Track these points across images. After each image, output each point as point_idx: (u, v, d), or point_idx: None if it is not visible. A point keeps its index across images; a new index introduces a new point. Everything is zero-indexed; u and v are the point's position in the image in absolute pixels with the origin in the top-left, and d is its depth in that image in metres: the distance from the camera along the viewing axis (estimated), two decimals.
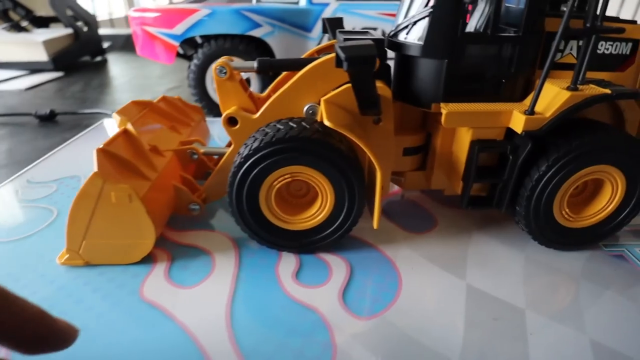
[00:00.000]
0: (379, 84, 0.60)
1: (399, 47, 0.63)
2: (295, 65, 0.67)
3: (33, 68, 1.71)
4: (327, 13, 1.14)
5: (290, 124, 0.59)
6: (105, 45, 2.22)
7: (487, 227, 0.72)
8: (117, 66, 2.05)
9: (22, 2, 1.97)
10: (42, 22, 2.02)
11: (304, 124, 0.58)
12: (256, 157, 0.57)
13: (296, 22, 1.15)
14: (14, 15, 1.93)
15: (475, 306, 0.56)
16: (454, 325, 0.53)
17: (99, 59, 2.19)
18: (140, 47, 1.23)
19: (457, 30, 0.56)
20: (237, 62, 0.68)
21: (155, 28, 1.17)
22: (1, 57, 1.66)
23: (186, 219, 0.72)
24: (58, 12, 1.84)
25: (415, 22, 0.60)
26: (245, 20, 1.13)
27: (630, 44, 0.60)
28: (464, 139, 0.62)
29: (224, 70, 0.66)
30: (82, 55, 2.05)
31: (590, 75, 0.61)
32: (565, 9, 0.53)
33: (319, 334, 0.51)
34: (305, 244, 0.64)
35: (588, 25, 0.51)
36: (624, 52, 0.60)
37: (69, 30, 1.89)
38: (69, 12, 1.90)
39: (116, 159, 0.61)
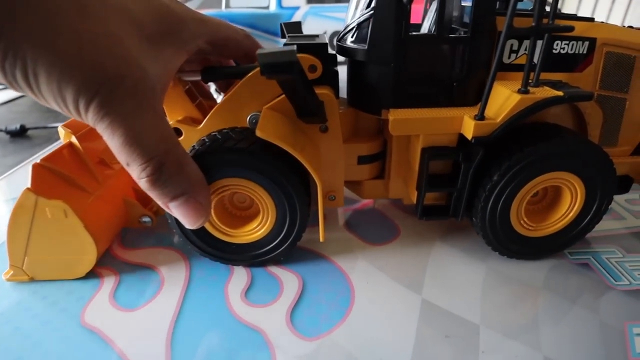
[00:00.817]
0: (322, 90, 0.57)
1: (345, 51, 0.60)
2: (242, 72, 0.64)
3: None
4: (298, 17, 1.11)
5: (231, 134, 0.56)
6: None
7: (451, 236, 0.69)
8: None
9: None
10: None
11: (243, 134, 0.56)
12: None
13: (266, 27, 1.12)
14: None
15: (427, 323, 0.53)
16: (403, 344, 0.50)
17: None
18: None
19: (401, 32, 0.53)
20: (183, 72, 0.66)
21: None
22: None
23: (140, 236, 0.69)
24: None
25: (359, 25, 0.57)
26: None
27: (587, 43, 0.57)
28: (416, 146, 0.59)
29: None
30: None
31: (548, 76, 0.58)
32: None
33: (260, 358, 0.48)
34: (250, 257, 0.61)
35: (533, 24, 0.48)
36: (580, 52, 0.57)
37: None
38: None
39: (54, 173, 0.59)
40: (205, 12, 1.16)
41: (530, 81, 0.55)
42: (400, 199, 0.71)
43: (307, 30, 0.67)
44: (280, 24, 0.70)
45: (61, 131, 0.67)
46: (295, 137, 0.57)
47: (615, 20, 2.59)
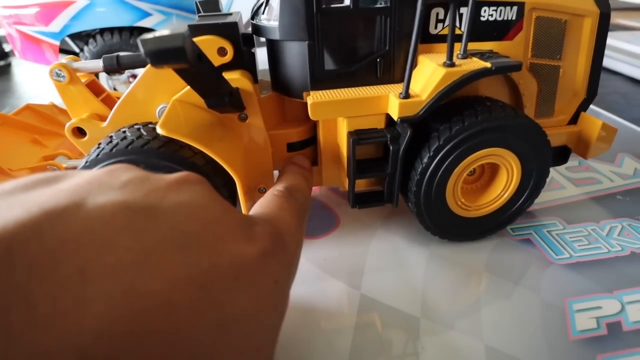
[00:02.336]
0: (235, 75, 0.51)
1: (259, 30, 0.54)
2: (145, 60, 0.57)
3: None
4: None
5: (142, 130, 0.50)
6: (8, 48, 1.99)
7: (392, 222, 0.66)
8: (23, 70, 1.85)
9: None
10: None
11: (155, 132, 0.49)
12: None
13: (191, 8, 1.03)
14: None
15: (366, 320, 0.49)
16: (339, 346, 0.46)
17: (1, 63, 1.98)
18: (19, 50, 1.08)
19: (313, 5, 0.47)
20: (81, 62, 0.58)
21: (29, 27, 1.02)
22: None
23: None
24: None
25: (266, 3, 0.51)
26: (131, 9, 0.99)
27: (515, 8, 0.53)
28: (342, 129, 0.54)
29: (62, 74, 0.55)
30: None
31: (478, 46, 0.54)
32: None
33: None
34: None
35: None
36: (509, 18, 0.53)
37: None
38: None
39: None
40: None
41: (458, 53, 0.51)
42: (337, 186, 0.67)
43: (236, 9, 0.60)
44: (195, 2, 0.63)
45: None
46: (209, 130, 0.51)
47: None
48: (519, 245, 0.60)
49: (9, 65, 1.94)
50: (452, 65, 0.48)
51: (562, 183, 0.74)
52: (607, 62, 1.52)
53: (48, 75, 0.55)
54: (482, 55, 0.51)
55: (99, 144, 0.49)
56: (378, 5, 0.50)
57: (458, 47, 0.50)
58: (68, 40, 1.13)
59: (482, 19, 0.53)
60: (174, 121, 0.47)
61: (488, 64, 0.48)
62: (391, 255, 0.59)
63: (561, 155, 0.63)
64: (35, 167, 0.63)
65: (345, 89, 0.52)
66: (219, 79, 0.47)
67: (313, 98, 0.50)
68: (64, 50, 1.14)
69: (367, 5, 0.50)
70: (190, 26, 0.51)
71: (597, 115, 1.01)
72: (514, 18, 0.53)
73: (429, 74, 0.50)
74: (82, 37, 1.13)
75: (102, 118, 0.57)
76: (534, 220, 0.65)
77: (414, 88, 0.51)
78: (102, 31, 1.03)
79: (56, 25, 1.01)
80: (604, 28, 0.56)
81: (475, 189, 0.59)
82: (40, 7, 1.00)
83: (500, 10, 0.53)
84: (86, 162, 0.48)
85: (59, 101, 0.78)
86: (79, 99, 0.58)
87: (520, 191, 0.56)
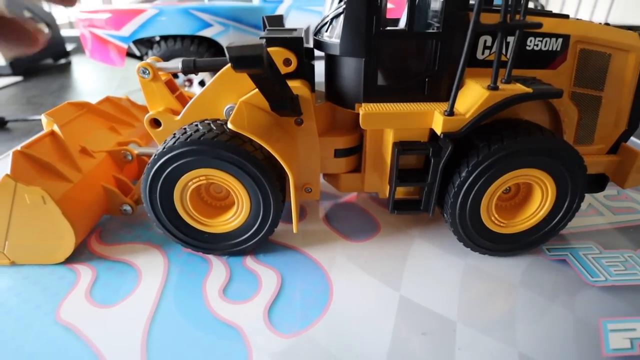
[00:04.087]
0: (296, 84, 0.58)
1: (321, 45, 0.60)
2: (220, 64, 0.65)
3: None
4: (281, 10, 1.11)
5: (212, 125, 0.57)
6: (70, 47, 2.18)
7: (430, 233, 0.69)
8: (82, 69, 2.00)
9: None
10: None
11: (224, 127, 0.56)
12: (169, 155, 0.55)
13: (249, 21, 1.12)
14: None
15: (405, 320, 0.53)
16: (380, 341, 0.50)
17: (62, 61, 2.13)
18: (89, 50, 1.20)
19: (372, 27, 0.53)
20: (162, 62, 0.66)
21: (102, 30, 1.14)
22: None
23: (119, 232, 0.69)
24: (15, 14, 1.80)
25: (332, 19, 0.57)
26: (195, 20, 1.10)
27: (560, 40, 0.57)
28: (388, 140, 0.59)
29: (147, 71, 0.64)
30: (43, 59, 1.99)
31: (522, 73, 0.58)
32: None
33: (236, 355, 0.48)
34: (223, 247, 0.62)
35: (500, 20, 0.48)
36: (554, 49, 0.57)
37: None
38: (27, 14, 1.87)
39: (34, 160, 0.60)
40: (187, 4, 1.16)
41: (502, 78, 0.55)
42: (376, 194, 0.72)
43: (290, 24, 0.67)
44: (262, 17, 0.70)
45: (44, 120, 0.68)
46: (270, 130, 0.57)
47: (599, 17, 2.58)
48: (554, 265, 0.62)
49: (69, 64, 2.12)
50: (496, 88, 0.52)
51: (600, 210, 0.75)
52: None
53: (135, 72, 0.64)
54: (525, 81, 0.55)
55: (174, 134, 0.56)
56: (430, 30, 0.55)
57: (503, 73, 0.54)
58: (131, 45, 1.24)
59: (528, 48, 0.57)
60: (242, 119, 0.54)
61: (529, 90, 0.52)
62: (428, 262, 0.63)
63: (599, 182, 0.65)
64: (112, 151, 0.71)
65: (394, 104, 0.57)
66: (284, 85, 0.54)
67: (365, 109, 0.55)
68: (128, 54, 1.26)
69: (420, 30, 0.55)
70: (262, 38, 0.58)
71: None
72: (558, 49, 0.57)
73: (473, 95, 0.54)
74: (144, 43, 1.25)
75: (175, 112, 0.65)
76: (570, 243, 0.66)
77: (459, 107, 0.55)
78: (165, 38, 1.14)
79: (127, 30, 1.13)
80: None
81: (509, 207, 0.62)
82: (112, 14, 1.13)
83: (546, 41, 0.57)
84: (164, 147, 0.55)
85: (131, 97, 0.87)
86: (157, 94, 0.66)
87: (554, 212, 0.59)
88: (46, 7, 1.96)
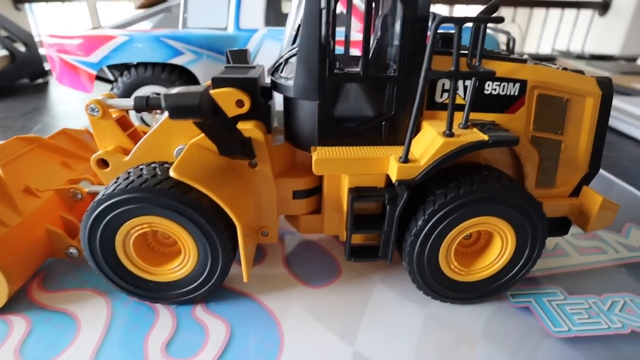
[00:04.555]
0: (248, 126, 0.55)
1: (276, 86, 0.58)
2: None
3: None
4: (256, 39, 1.09)
5: (157, 170, 0.54)
6: (48, 66, 2.13)
7: (393, 277, 0.66)
8: (59, 90, 1.94)
9: None
10: None
11: (168, 172, 0.53)
12: (108, 203, 0.51)
13: (222, 49, 1.10)
14: None
15: None
16: None
17: (39, 81, 2.07)
18: (57, 74, 1.17)
19: (325, 70, 0.51)
20: (114, 99, 0.63)
21: (70, 55, 1.12)
22: None
23: (64, 277, 0.65)
24: None
25: (287, 60, 0.56)
26: (166, 47, 1.08)
27: (518, 85, 0.56)
28: (344, 185, 0.57)
29: (96, 109, 0.61)
30: (19, 78, 1.93)
31: (481, 116, 0.57)
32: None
33: None
34: (170, 297, 0.58)
35: (452, 69, 0.46)
36: (512, 93, 0.56)
37: (4, 52, 1.81)
38: (3, 33, 1.84)
39: None
40: (161, 32, 1.14)
41: (459, 123, 0.54)
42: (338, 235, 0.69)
43: (264, 54, 0.65)
44: (226, 52, 0.68)
45: None
46: (218, 175, 0.55)
47: (576, 46, 2.65)
48: (517, 314, 0.60)
49: (47, 84, 2.07)
50: (451, 135, 0.51)
51: (567, 250, 0.74)
52: (622, 127, 1.51)
53: (84, 108, 0.61)
54: (482, 126, 0.54)
55: (117, 178, 0.53)
56: (387, 74, 0.54)
57: (462, 116, 0.53)
58: (105, 69, 1.22)
59: (486, 92, 0.56)
60: (186, 165, 0.51)
61: (486, 137, 0.50)
62: (388, 312, 0.60)
63: (562, 225, 0.64)
64: (60, 190, 0.67)
65: (351, 147, 0.55)
66: (232, 130, 0.51)
67: (317, 154, 0.53)
68: (100, 78, 1.23)
69: (378, 73, 0.54)
70: (214, 78, 0.56)
71: (608, 182, 1.02)
72: (516, 94, 0.56)
73: (429, 141, 0.52)
74: (118, 67, 1.22)
75: (127, 151, 0.62)
76: (535, 288, 0.64)
77: (415, 152, 0.54)
78: (137, 65, 1.12)
79: (95, 57, 1.10)
80: (606, 108, 0.58)
81: (470, 253, 0.60)
82: (84, 39, 1.10)
83: (504, 86, 0.56)
84: (103, 194, 0.51)
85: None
86: (108, 132, 0.63)
87: (515, 261, 0.57)
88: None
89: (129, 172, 0.54)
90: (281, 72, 0.57)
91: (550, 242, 0.75)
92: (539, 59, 0.70)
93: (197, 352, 0.53)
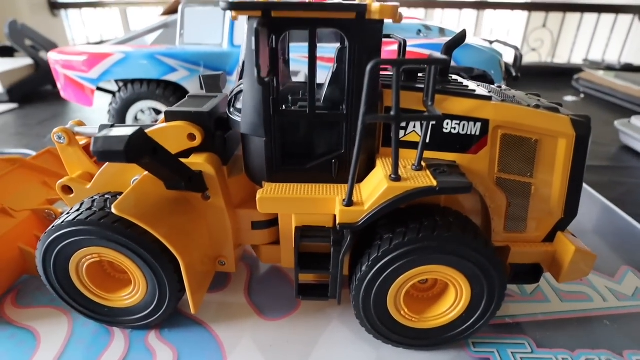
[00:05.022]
0: (199, 160, 0.55)
1: (229, 120, 0.57)
2: None
3: None
4: None
5: (107, 202, 0.55)
6: None
7: (352, 316, 0.63)
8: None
9: None
10: (7, 52, 2.05)
11: None
12: (57, 234, 0.53)
13: (215, 66, 1.11)
14: None
15: None
16: None
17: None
18: (62, 88, 1.23)
19: (269, 108, 0.50)
20: (81, 127, 0.65)
21: (72, 71, 1.16)
22: None
23: (38, 294, 0.67)
24: (16, 43, 1.86)
25: (237, 95, 0.55)
26: (160, 64, 1.10)
27: (479, 124, 0.52)
28: (292, 222, 0.56)
29: (62, 137, 0.63)
30: (42, 85, 1.99)
31: (442, 156, 0.54)
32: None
33: None
34: (124, 322, 0.59)
35: (392, 113, 0.44)
36: (472, 133, 0.53)
37: (29, 61, 1.91)
38: (28, 43, 1.94)
39: None
40: (156, 49, 1.16)
41: (413, 164, 0.51)
42: None
43: None
44: (199, 77, 0.69)
45: None
46: (167, 208, 0.55)
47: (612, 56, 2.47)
48: None
49: None
50: (398, 179, 0.48)
51: (547, 295, 0.69)
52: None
53: (51, 136, 0.63)
54: (437, 168, 0.51)
55: (69, 209, 0.55)
56: (335, 112, 0.52)
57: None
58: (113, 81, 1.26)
59: (445, 130, 0.53)
60: (130, 201, 0.51)
61: (434, 183, 0.47)
62: (337, 352, 0.58)
63: (534, 273, 0.59)
64: (36, 210, 0.70)
65: (299, 185, 0.54)
66: (176, 166, 0.51)
67: (262, 192, 0.52)
68: (103, 89, 1.28)
69: (323, 111, 0.52)
70: (166, 112, 0.57)
71: (612, 215, 0.93)
72: (477, 133, 0.52)
73: (375, 184, 0.50)
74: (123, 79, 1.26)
75: (93, 177, 0.63)
76: (501, 337, 0.60)
77: (364, 192, 0.52)
78: (132, 81, 1.15)
79: (95, 73, 1.14)
80: (581, 150, 0.53)
81: (427, 298, 0.57)
82: (88, 56, 1.14)
83: (463, 125, 0.52)
84: (53, 226, 0.53)
85: None
86: (75, 159, 0.65)
87: (471, 310, 0.54)
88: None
89: (81, 203, 0.55)
90: (233, 106, 0.57)
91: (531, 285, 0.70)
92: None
93: None
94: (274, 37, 0.47)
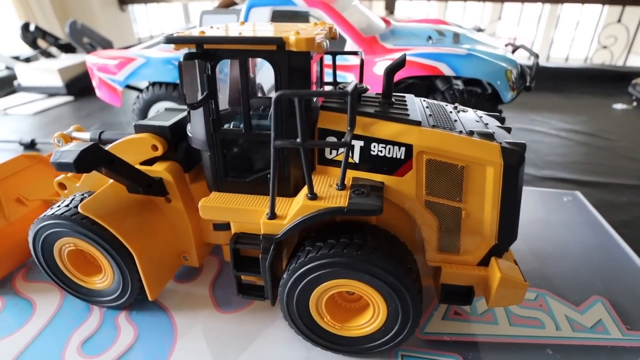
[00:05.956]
0: (160, 167, 0.63)
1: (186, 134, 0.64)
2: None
3: (49, 92, 1.97)
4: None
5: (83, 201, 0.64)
6: None
7: None
8: (130, 91, 2.24)
9: (50, 31, 2.26)
10: (69, 48, 2.32)
11: None
12: (40, 225, 0.64)
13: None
14: (42, 43, 2.25)
15: None
16: None
17: None
18: (96, 88, 1.38)
19: (210, 127, 0.56)
20: (78, 132, 0.76)
21: (104, 73, 1.31)
22: (25, 82, 1.97)
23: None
24: (75, 41, 2.09)
25: (188, 112, 0.62)
26: (176, 69, 1.20)
27: (403, 149, 0.54)
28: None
29: (60, 141, 0.74)
30: None
31: (371, 177, 0.57)
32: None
33: None
34: (101, 302, 0.69)
35: (299, 140, 0.48)
36: (397, 156, 0.54)
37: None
38: (86, 40, 2.16)
39: None
40: (173, 54, 1.26)
41: (336, 183, 0.55)
42: None
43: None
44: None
45: None
46: (131, 208, 0.64)
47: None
48: None
49: None
50: (314, 198, 0.52)
51: (497, 317, 0.68)
52: None
53: (52, 139, 0.75)
54: (358, 189, 0.54)
55: (52, 206, 0.65)
56: (267, 132, 0.56)
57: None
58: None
59: (372, 153, 0.56)
60: (97, 201, 0.60)
61: (345, 204, 0.51)
62: (271, 349, 0.63)
63: (467, 295, 0.60)
64: (46, 200, 0.83)
65: (239, 196, 0.60)
66: (133, 175, 0.59)
67: (204, 201, 0.59)
68: (134, 87, 1.42)
69: (259, 130, 0.57)
70: (135, 125, 0.65)
71: (607, 243, 0.87)
72: (402, 157, 0.54)
73: (297, 200, 0.54)
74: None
75: None
76: (431, 352, 0.62)
77: (293, 206, 0.56)
78: (153, 83, 1.27)
79: (122, 75, 1.28)
80: (511, 178, 0.53)
81: (354, 308, 0.61)
82: (117, 60, 1.28)
83: (389, 149, 0.55)
84: (38, 218, 0.64)
85: None
86: None
87: (390, 325, 0.56)
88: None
89: (63, 200, 0.65)
90: (190, 121, 0.63)
91: (484, 304, 0.70)
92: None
93: (101, 352, 0.63)
94: (209, 65, 0.52)
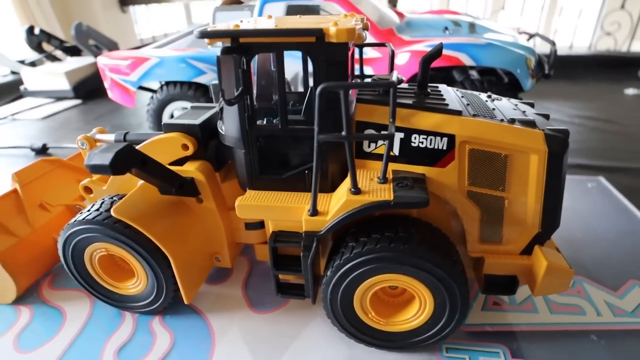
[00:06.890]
0: (191, 167, 0.62)
1: (218, 132, 0.63)
2: (147, 139, 0.71)
3: (57, 96, 1.95)
4: None
5: (114, 204, 0.63)
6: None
7: None
8: (139, 92, 2.23)
9: (55, 34, 2.23)
10: (75, 51, 2.28)
11: None
12: (71, 231, 0.62)
13: None
14: (47, 47, 2.22)
15: None
16: None
17: None
18: (108, 89, 1.36)
19: (245, 123, 0.55)
20: (102, 135, 0.74)
21: (116, 74, 1.29)
22: (32, 86, 1.95)
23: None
24: (81, 44, 2.06)
25: (222, 109, 0.60)
26: (190, 68, 1.18)
27: (445, 139, 0.53)
28: (270, 227, 0.60)
29: (84, 143, 0.73)
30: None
31: (411, 169, 0.56)
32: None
33: None
34: (134, 307, 0.68)
35: (343, 133, 0.47)
36: (440, 147, 0.53)
37: (93, 59, 2.07)
38: (92, 42, 2.13)
39: None
40: (187, 53, 1.24)
41: (378, 177, 0.53)
42: None
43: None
44: (210, 86, 0.75)
45: (10, 179, 0.79)
46: (163, 210, 0.62)
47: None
48: None
49: None
50: (357, 192, 0.51)
51: (536, 305, 0.68)
52: None
53: (75, 142, 0.74)
54: (401, 181, 0.52)
55: (82, 211, 0.64)
56: (304, 127, 0.55)
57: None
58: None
59: (413, 144, 0.54)
60: (129, 204, 0.59)
61: (390, 197, 0.50)
62: (313, 347, 0.62)
63: (510, 284, 0.59)
64: (69, 205, 0.82)
65: (276, 193, 0.58)
66: (165, 175, 0.58)
67: (241, 199, 0.58)
68: (145, 88, 1.40)
69: (297, 125, 0.56)
70: (164, 124, 0.63)
71: (636, 227, 0.87)
72: (444, 148, 0.53)
73: (339, 195, 0.53)
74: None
75: None
76: (476, 344, 0.61)
77: (333, 202, 0.55)
78: (167, 83, 1.25)
79: (135, 76, 1.26)
80: (556, 166, 0.52)
81: (397, 303, 0.60)
82: (130, 60, 1.26)
83: (430, 140, 0.54)
84: (68, 223, 0.62)
85: None
86: None
87: (436, 318, 0.55)
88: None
89: (93, 204, 0.64)
90: (221, 118, 0.62)
91: (522, 292, 0.69)
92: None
93: (139, 359, 0.62)
94: (244, 60, 0.51)
